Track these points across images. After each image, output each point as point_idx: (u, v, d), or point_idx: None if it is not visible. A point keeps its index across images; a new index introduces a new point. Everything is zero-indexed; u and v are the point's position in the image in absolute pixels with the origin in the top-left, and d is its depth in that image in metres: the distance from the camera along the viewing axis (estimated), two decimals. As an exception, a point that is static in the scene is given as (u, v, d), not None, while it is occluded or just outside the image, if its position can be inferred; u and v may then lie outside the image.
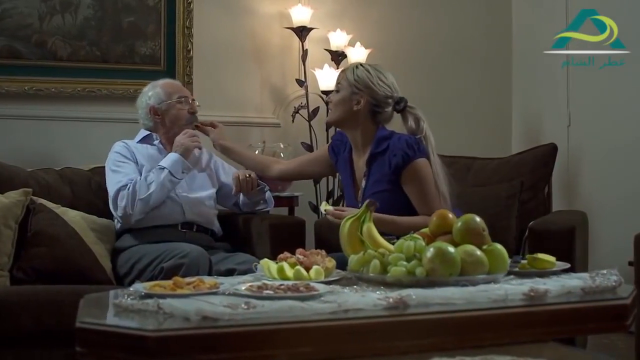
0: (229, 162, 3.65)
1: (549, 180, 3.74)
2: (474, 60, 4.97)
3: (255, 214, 3.55)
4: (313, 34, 4.47)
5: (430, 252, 2.15)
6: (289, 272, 2.24)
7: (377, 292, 2.02)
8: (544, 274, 2.31)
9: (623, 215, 4.18)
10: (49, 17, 4.04)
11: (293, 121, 4.46)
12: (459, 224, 2.29)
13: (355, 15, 4.72)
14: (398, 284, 2.12)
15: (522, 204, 3.57)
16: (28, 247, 3.18)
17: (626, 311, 2.06)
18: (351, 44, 4.49)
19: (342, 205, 3.57)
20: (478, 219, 2.30)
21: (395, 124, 3.15)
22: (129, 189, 3.25)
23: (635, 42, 4.09)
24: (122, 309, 1.93)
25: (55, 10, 4.05)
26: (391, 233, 2.60)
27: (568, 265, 2.42)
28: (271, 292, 1.98)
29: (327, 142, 3.70)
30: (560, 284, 2.13)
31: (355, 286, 2.16)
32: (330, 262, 2.32)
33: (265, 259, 2.33)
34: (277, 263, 2.29)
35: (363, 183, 3.09)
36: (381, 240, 2.40)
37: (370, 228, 2.42)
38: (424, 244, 2.23)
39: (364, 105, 3.06)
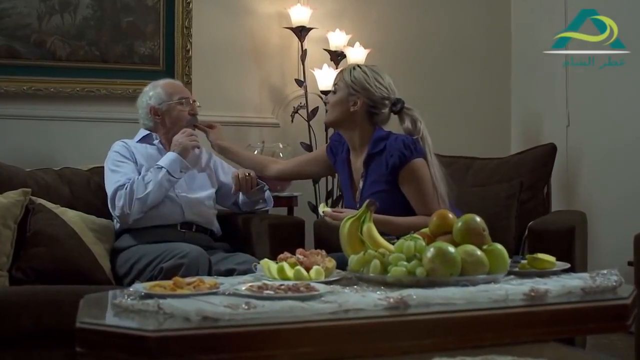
0: (228, 162, 3.65)
1: (548, 180, 3.74)
2: (473, 60, 4.97)
3: (254, 214, 3.55)
4: (312, 34, 4.47)
5: (430, 252, 2.15)
6: (289, 272, 2.24)
7: (378, 292, 2.02)
8: (544, 274, 2.31)
9: (622, 215, 4.18)
10: (48, 16, 4.04)
11: (292, 121, 4.46)
12: (459, 224, 2.29)
13: (354, 15, 4.72)
14: (398, 284, 2.12)
15: (522, 204, 3.57)
16: (27, 247, 3.17)
17: (627, 311, 2.06)
18: (350, 44, 4.49)
19: (341, 206, 3.57)
20: (478, 219, 2.30)
21: (393, 125, 3.14)
22: (126, 189, 3.25)
23: (635, 42, 4.09)
24: (122, 309, 1.92)
25: (54, 10, 4.04)
26: (389, 233, 2.60)
27: (568, 265, 2.42)
28: (271, 292, 1.98)
29: (326, 142, 3.69)
30: (560, 284, 2.13)
31: (355, 286, 2.16)
32: (331, 262, 2.32)
33: (266, 259, 2.33)
34: (277, 263, 2.29)
35: (361, 184, 3.09)
36: (381, 240, 2.40)
37: (370, 228, 2.42)
38: (424, 244, 2.23)
39: (361, 106, 3.06)
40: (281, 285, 2.04)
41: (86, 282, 3.05)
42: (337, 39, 4.49)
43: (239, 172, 3.44)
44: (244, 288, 2.03)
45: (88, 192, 3.53)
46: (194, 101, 3.54)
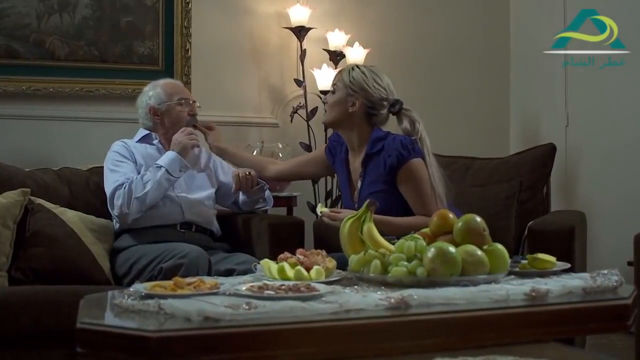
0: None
1: (547, 180, 3.75)
2: (472, 60, 4.97)
3: (254, 214, 3.55)
4: (311, 33, 4.47)
5: (431, 252, 2.15)
6: (290, 272, 2.23)
7: (379, 293, 2.02)
8: (544, 274, 2.31)
9: (621, 215, 4.19)
10: (47, 16, 4.03)
11: (291, 121, 4.46)
12: (460, 224, 2.29)
13: (353, 15, 4.72)
14: (399, 284, 2.12)
15: (521, 204, 3.57)
16: (26, 248, 3.16)
17: (627, 311, 2.06)
18: (349, 43, 4.49)
19: (340, 206, 3.57)
20: (479, 219, 2.30)
21: (391, 125, 3.14)
22: (124, 188, 3.24)
23: (635, 42, 4.09)
24: (123, 310, 1.92)
25: (53, 10, 4.04)
26: (386, 233, 2.60)
27: (568, 266, 2.42)
28: (272, 292, 1.98)
29: (325, 142, 3.69)
30: (561, 284, 2.13)
31: (356, 286, 2.16)
32: (331, 263, 2.32)
33: (266, 259, 2.33)
34: (277, 263, 2.29)
35: (359, 184, 3.09)
36: (382, 240, 2.39)
37: (370, 228, 2.42)
38: (424, 244, 2.23)
39: (359, 107, 3.06)
40: (282, 285, 2.04)
41: (85, 282, 3.05)
42: (336, 39, 4.49)
43: (239, 171, 3.43)
44: (244, 288, 2.03)
45: (87, 192, 3.52)
46: (194, 102, 3.53)
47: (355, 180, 3.12)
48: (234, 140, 4.20)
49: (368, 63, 3.65)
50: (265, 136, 4.45)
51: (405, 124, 3.06)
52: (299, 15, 4.44)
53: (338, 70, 3.91)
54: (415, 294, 1.96)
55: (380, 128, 3.10)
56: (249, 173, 3.41)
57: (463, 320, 1.92)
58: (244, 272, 2.66)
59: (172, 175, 3.28)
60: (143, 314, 1.87)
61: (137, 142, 3.46)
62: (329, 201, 4.34)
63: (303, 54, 4.46)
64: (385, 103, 3.08)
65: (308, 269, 2.24)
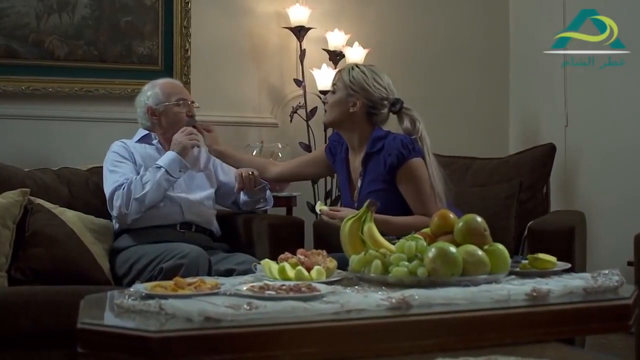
0: (227, 163, 3.64)
1: (547, 180, 3.75)
2: (472, 60, 4.97)
3: (254, 214, 3.54)
4: (311, 33, 4.46)
5: (431, 252, 2.14)
6: (291, 272, 2.23)
7: (380, 293, 2.02)
8: (545, 274, 2.31)
9: (621, 215, 4.18)
10: (46, 16, 4.03)
11: (291, 121, 4.46)
12: (460, 224, 2.29)
13: (353, 15, 4.72)
14: (400, 284, 2.12)
15: (521, 204, 3.57)
16: (26, 248, 3.16)
17: (628, 311, 2.06)
18: (349, 43, 4.49)
19: (340, 206, 3.57)
20: (479, 219, 2.29)
21: (392, 125, 3.14)
22: (123, 189, 3.24)
23: (635, 42, 4.09)
24: (124, 310, 1.92)
25: (52, 10, 4.03)
26: (386, 233, 2.60)
27: (569, 266, 2.42)
28: (273, 292, 1.98)
29: (325, 142, 3.69)
30: (562, 284, 2.13)
31: (356, 286, 2.15)
32: (332, 263, 2.32)
33: (267, 260, 2.32)
34: (278, 263, 2.28)
35: (359, 183, 3.08)
36: (382, 240, 2.39)
37: (371, 228, 2.42)
38: (425, 244, 2.23)
39: (360, 107, 3.05)
40: (283, 285, 2.03)
41: (85, 282, 3.05)
42: (336, 39, 4.49)
43: (242, 171, 3.41)
44: (245, 288, 2.02)
45: (87, 192, 3.52)
46: (192, 102, 3.51)
47: (355, 180, 3.11)
48: (233, 140, 4.21)
49: (367, 63, 3.64)
50: (264, 136, 4.45)
51: (406, 123, 3.06)
52: (298, 15, 4.44)
53: (337, 70, 3.92)
54: (417, 294, 1.96)
55: (380, 127, 3.10)
56: (252, 173, 3.40)
57: (464, 321, 1.92)
58: (244, 272, 2.66)
59: (171, 176, 3.27)
60: (144, 314, 1.86)
61: (136, 142, 3.46)
62: (328, 201, 4.34)
63: (303, 54, 4.46)
64: (385, 102, 3.07)
65: (309, 269, 2.24)
